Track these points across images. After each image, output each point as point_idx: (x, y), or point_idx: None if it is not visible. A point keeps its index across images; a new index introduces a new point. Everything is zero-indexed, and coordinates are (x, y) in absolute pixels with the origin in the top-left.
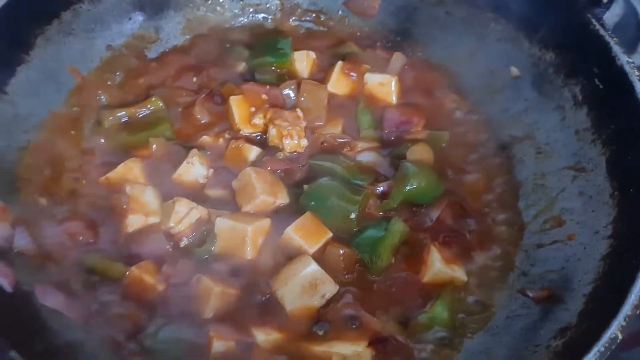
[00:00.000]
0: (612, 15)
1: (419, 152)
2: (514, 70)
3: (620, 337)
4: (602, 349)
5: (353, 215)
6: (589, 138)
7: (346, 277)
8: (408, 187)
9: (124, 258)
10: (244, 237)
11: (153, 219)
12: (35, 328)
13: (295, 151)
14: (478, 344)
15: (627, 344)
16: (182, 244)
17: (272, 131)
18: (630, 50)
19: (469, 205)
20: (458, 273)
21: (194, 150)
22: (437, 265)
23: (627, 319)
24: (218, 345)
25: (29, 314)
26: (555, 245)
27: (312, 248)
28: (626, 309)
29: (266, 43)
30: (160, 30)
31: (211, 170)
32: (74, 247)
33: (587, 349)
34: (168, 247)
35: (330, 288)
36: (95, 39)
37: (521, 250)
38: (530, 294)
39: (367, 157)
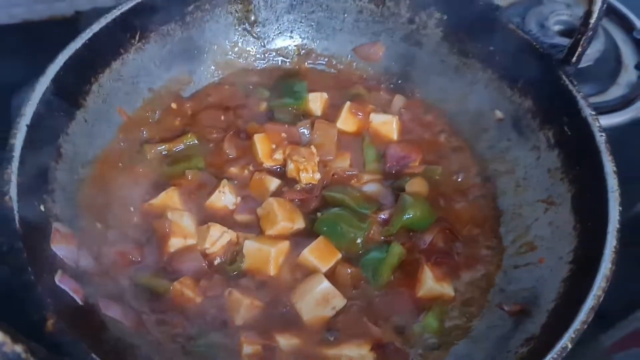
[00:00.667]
0: (593, 52)
1: (416, 185)
2: (498, 113)
3: (569, 346)
4: (555, 355)
5: (359, 240)
6: (559, 176)
7: (353, 292)
8: (406, 217)
9: (167, 274)
10: (268, 257)
11: (191, 241)
12: (102, 334)
13: (310, 183)
14: (462, 349)
15: (621, 345)
16: (215, 263)
17: (290, 165)
18: (611, 81)
19: (457, 231)
20: (447, 289)
21: (225, 181)
22: (429, 282)
23: (576, 333)
24: (247, 348)
25: (96, 323)
26: (528, 267)
27: (325, 267)
28: (575, 325)
29: (284, 86)
30: (193, 73)
31: (239, 198)
32: (125, 266)
33: (543, 356)
34: (204, 264)
35: (339, 301)
36: (139, 83)
37: (501, 271)
38: (506, 308)
39: (372, 187)
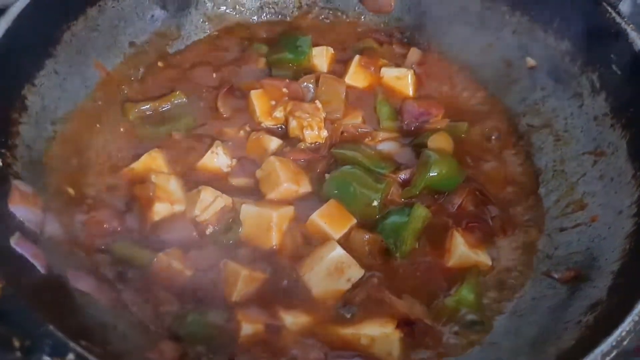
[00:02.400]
0: None
1: (440, 141)
2: (530, 61)
3: None
4: (637, 318)
5: (375, 203)
6: (608, 123)
7: (372, 261)
8: (430, 174)
9: (151, 245)
10: (269, 222)
11: (179, 207)
12: (69, 308)
13: (316, 142)
14: (506, 324)
15: None
16: (207, 232)
17: (293, 123)
18: None
19: (490, 193)
20: (482, 257)
21: (218, 142)
22: (461, 249)
23: None
24: (247, 328)
25: (62, 296)
26: (579, 228)
27: (338, 234)
28: None
29: (286, 40)
30: (182, 27)
31: (234, 160)
32: (101, 236)
33: (620, 319)
34: (194, 234)
35: (355, 272)
36: (119, 35)
37: (544, 235)
38: (556, 276)
39: (388, 146)
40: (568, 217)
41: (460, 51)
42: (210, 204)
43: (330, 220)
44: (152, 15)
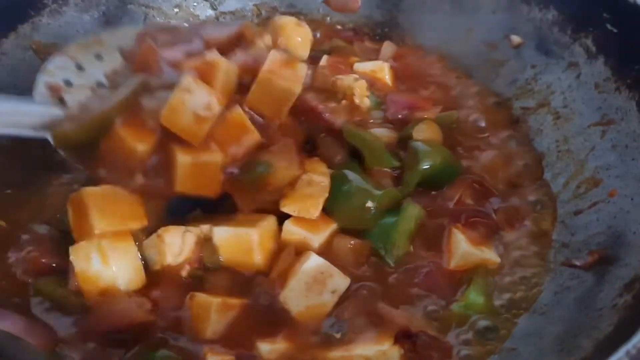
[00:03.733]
0: None
1: (426, 131)
2: (515, 39)
3: None
4: None
5: (370, 204)
6: (612, 87)
7: (360, 270)
8: (422, 167)
9: None
10: (249, 243)
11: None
12: None
13: None
14: (526, 327)
15: None
16: (184, 274)
17: None
18: None
19: (490, 184)
20: (488, 254)
21: None
22: (463, 247)
23: None
24: None
25: None
26: (596, 207)
27: (317, 238)
28: None
29: None
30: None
31: None
32: (37, 273)
33: None
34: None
35: (339, 282)
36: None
37: (557, 223)
38: (578, 263)
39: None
40: (582, 198)
41: (438, 41)
42: (180, 245)
43: (306, 225)
44: (95, 32)
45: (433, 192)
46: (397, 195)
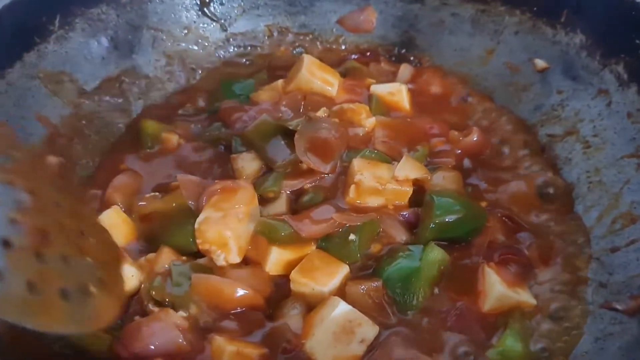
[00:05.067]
0: None
1: (445, 179)
2: (540, 63)
3: None
4: None
5: (352, 237)
6: None
7: (383, 316)
8: (437, 220)
9: None
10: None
11: None
12: None
13: None
14: None
15: None
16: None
17: None
18: None
19: (519, 217)
20: (524, 296)
21: None
22: (499, 289)
23: None
24: None
25: None
26: (635, 245)
27: (326, 287)
28: None
29: (224, 88)
30: (138, 69)
31: None
32: None
33: None
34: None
35: (368, 330)
36: (65, 82)
37: (592, 260)
38: (619, 307)
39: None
40: (618, 235)
41: (457, 62)
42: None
43: (313, 275)
44: (103, 58)
45: (457, 246)
46: (378, 227)
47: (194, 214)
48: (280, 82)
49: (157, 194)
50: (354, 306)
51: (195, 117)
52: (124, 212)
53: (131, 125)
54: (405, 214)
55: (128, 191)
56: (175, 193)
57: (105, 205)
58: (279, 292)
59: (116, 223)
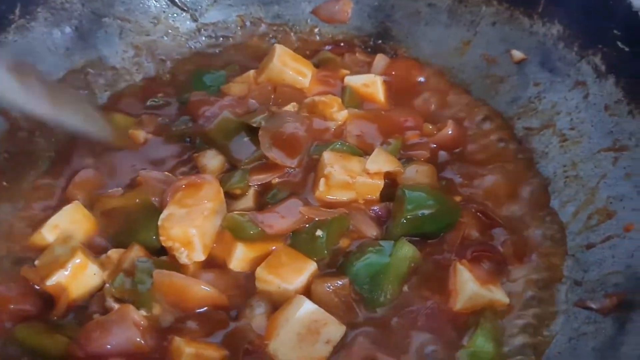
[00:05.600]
0: None
1: (417, 174)
2: (517, 54)
3: None
4: None
5: (320, 232)
6: (624, 110)
7: (351, 316)
8: (408, 216)
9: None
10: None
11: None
12: None
13: None
14: None
15: None
16: None
17: None
18: None
19: (494, 213)
20: (497, 295)
21: None
22: (471, 287)
23: None
24: None
25: None
26: (611, 242)
27: (292, 284)
28: None
29: (194, 78)
30: (105, 60)
31: None
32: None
33: None
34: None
35: (335, 330)
36: None
37: (567, 256)
38: (594, 306)
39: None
40: (594, 231)
41: (434, 53)
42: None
43: (279, 272)
44: (67, 48)
45: (430, 241)
46: (347, 222)
47: (158, 210)
48: (251, 72)
49: (119, 189)
50: (320, 305)
51: (164, 109)
52: (86, 207)
53: None
54: (376, 209)
55: (90, 187)
56: (138, 189)
57: (65, 200)
58: (244, 291)
59: (77, 218)
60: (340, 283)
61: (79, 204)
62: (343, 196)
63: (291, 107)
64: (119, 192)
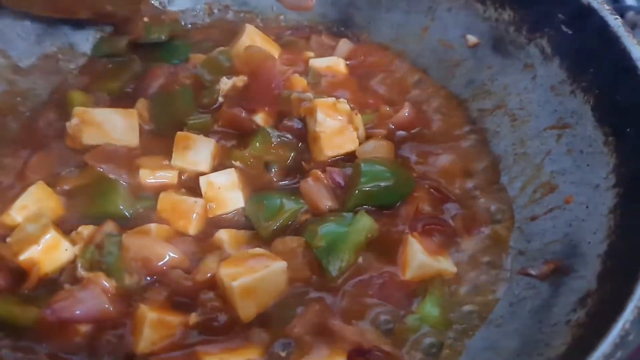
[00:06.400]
0: None
1: (374, 149)
2: (471, 39)
3: None
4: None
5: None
6: (567, 90)
7: (308, 276)
8: (362, 188)
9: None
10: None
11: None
12: None
13: None
14: (481, 340)
15: None
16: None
17: None
18: None
19: (447, 189)
20: (445, 264)
21: None
22: (420, 257)
23: None
24: None
25: None
26: (552, 213)
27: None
28: None
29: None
30: (75, 46)
31: None
32: None
33: (619, 309)
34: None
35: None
36: None
37: (514, 228)
38: (533, 272)
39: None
40: (538, 204)
41: (395, 39)
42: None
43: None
44: (38, 35)
45: (385, 211)
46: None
47: (116, 181)
48: (220, 49)
49: (73, 169)
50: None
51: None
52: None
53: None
54: (336, 177)
55: (45, 169)
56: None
57: (23, 180)
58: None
59: (42, 197)
60: (295, 238)
61: (43, 183)
62: None
63: (240, 80)
64: (75, 173)
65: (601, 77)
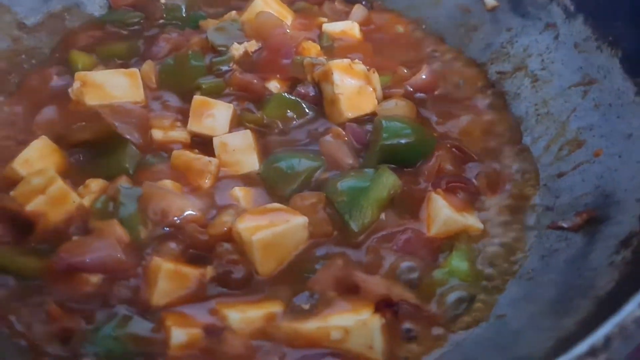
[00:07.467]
0: None
1: (395, 108)
2: (490, 2)
3: None
4: None
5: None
6: (593, 46)
7: (327, 229)
8: (383, 143)
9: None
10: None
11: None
12: None
13: None
14: (514, 294)
15: None
16: None
17: None
18: None
19: (468, 148)
20: (471, 220)
21: None
22: (445, 212)
23: None
24: (178, 335)
25: None
26: (581, 168)
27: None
28: None
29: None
30: (82, 6)
31: None
32: None
33: None
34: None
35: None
36: (3, 15)
37: (539, 186)
38: (565, 225)
39: None
40: (565, 160)
41: (409, 5)
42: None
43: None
44: None
45: (406, 169)
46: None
47: (125, 139)
48: (233, 13)
49: (83, 123)
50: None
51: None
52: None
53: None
54: (354, 126)
55: (53, 125)
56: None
57: (30, 136)
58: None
59: (46, 153)
60: (315, 194)
61: (46, 138)
62: None
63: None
64: (84, 128)
65: (629, 28)
